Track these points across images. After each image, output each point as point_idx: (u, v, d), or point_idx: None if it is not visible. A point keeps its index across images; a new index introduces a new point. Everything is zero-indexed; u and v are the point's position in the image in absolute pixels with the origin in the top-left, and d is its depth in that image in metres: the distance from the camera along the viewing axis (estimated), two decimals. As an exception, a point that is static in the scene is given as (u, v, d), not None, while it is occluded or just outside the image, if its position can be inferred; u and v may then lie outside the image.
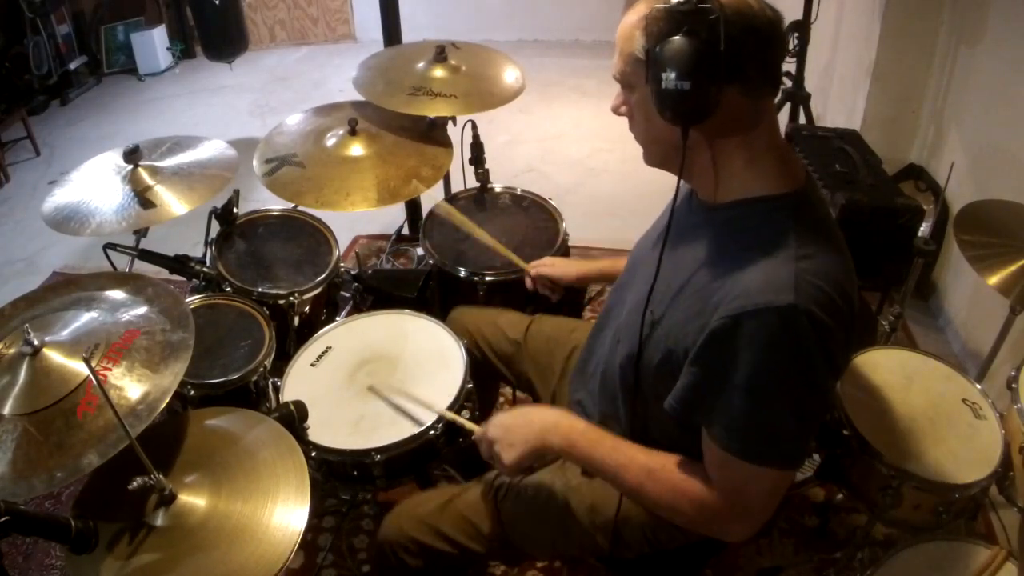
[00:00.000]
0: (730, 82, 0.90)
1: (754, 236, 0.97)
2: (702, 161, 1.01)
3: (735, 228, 1.00)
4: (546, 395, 1.53)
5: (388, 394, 1.44)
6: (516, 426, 1.17)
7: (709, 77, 0.88)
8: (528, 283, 1.69)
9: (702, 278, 1.00)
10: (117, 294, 1.30)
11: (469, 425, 1.32)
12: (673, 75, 0.88)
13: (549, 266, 1.66)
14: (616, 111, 1.07)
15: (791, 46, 2.90)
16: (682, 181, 1.04)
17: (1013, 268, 1.58)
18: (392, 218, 3.07)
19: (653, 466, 1.08)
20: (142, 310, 1.26)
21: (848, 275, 0.97)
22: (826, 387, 0.97)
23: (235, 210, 1.92)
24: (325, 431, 1.39)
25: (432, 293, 1.96)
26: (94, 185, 1.79)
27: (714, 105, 0.90)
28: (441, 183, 2.22)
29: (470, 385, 1.46)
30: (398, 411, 1.42)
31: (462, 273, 1.83)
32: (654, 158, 1.06)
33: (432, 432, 1.37)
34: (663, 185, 1.08)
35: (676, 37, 0.88)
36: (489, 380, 1.66)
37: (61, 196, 1.77)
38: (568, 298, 1.88)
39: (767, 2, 0.93)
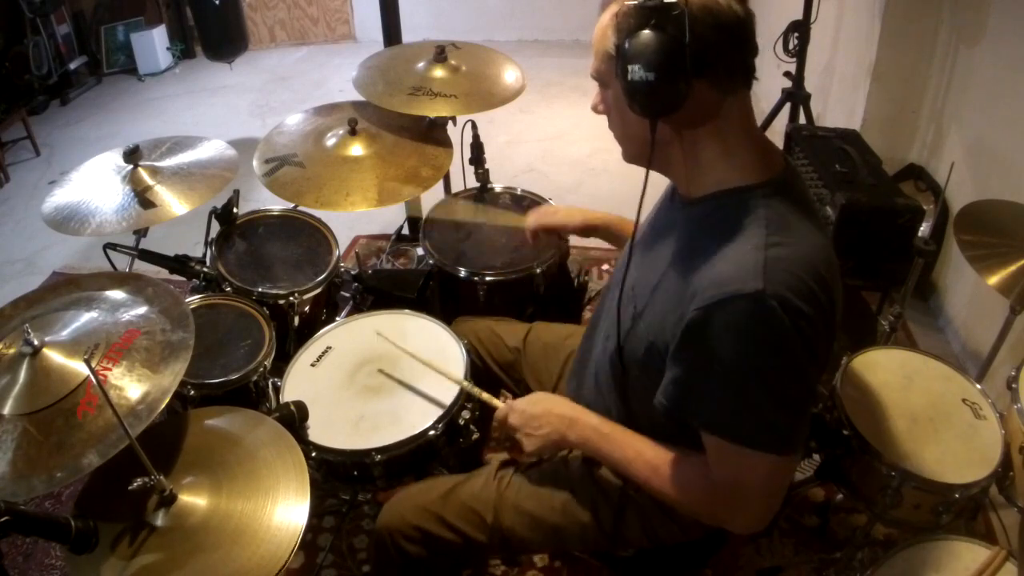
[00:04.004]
0: (699, 76, 0.92)
1: (726, 226, 0.98)
2: (676, 155, 1.03)
3: (710, 220, 1.01)
4: None
5: (400, 376, 1.47)
6: (537, 417, 1.23)
7: (675, 70, 0.90)
8: (528, 236, 1.67)
9: (677, 271, 1.02)
10: (117, 294, 1.30)
11: (495, 402, 1.36)
12: (639, 68, 0.91)
13: (551, 214, 1.64)
14: (595, 109, 1.10)
15: (791, 46, 2.90)
16: (664, 176, 1.05)
17: (1013, 268, 1.58)
18: (392, 218, 3.07)
19: (656, 462, 1.10)
20: (142, 310, 1.26)
21: (827, 261, 0.98)
22: (807, 373, 0.98)
23: (235, 210, 1.91)
24: (325, 431, 1.39)
25: (432, 293, 1.95)
26: (94, 185, 1.79)
27: (682, 98, 0.92)
28: (441, 183, 2.22)
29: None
30: (407, 402, 1.44)
31: (462, 273, 1.83)
32: (630, 153, 1.09)
33: (432, 432, 1.37)
34: (662, 185, 1.08)
35: (643, 31, 0.91)
36: (490, 388, 1.66)
37: (61, 196, 1.77)
38: (568, 298, 1.88)
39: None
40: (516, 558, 1.82)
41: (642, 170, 1.08)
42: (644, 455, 1.12)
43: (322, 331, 1.62)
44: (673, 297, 1.01)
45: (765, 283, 0.90)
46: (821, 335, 0.96)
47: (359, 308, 1.96)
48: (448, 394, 1.43)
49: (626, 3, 0.94)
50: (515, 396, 1.68)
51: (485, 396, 1.39)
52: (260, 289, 1.79)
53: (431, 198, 2.12)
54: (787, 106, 3.02)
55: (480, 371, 1.59)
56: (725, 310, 0.92)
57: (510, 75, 2.17)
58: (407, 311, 1.66)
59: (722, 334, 0.93)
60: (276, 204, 1.99)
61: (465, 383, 1.41)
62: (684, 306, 0.97)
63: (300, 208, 1.96)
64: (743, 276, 0.92)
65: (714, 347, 0.94)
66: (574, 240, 2.00)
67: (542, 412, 1.23)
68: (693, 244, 1.02)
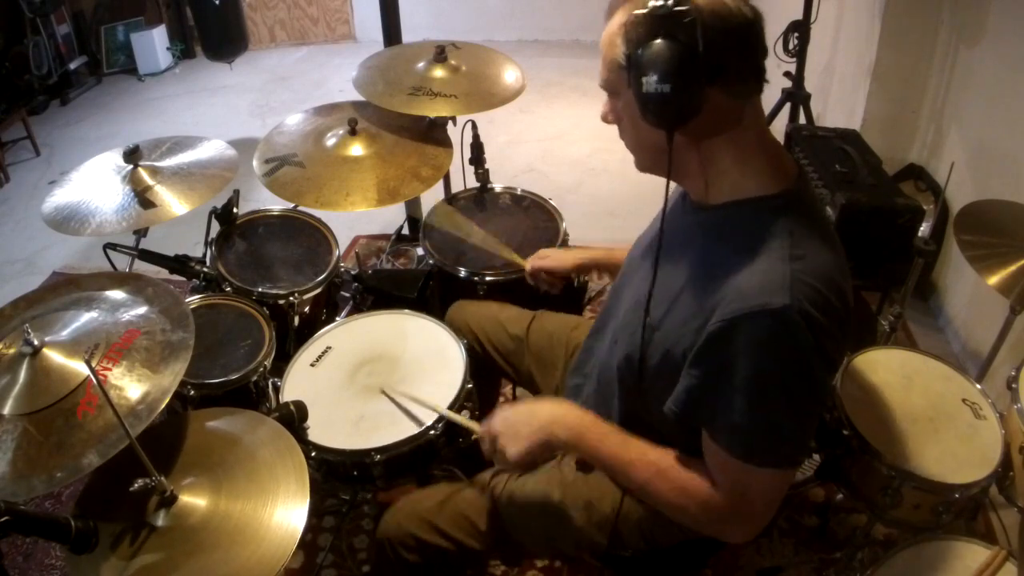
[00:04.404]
0: (712, 83, 0.91)
1: (747, 237, 0.97)
2: (691, 163, 1.01)
3: (728, 230, 1.00)
4: (548, 391, 1.54)
5: (398, 397, 1.44)
6: (520, 420, 1.14)
7: (689, 79, 0.89)
8: (529, 280, 1.69)
9: (698, 281, 1.01)
10: (117, 294, 1.30)
11: (472, 425, 1.31)
12: (654, 79, 0.89)
13: (543, 258, 1.65)
14: (605, 119, 1.07)
15: (791, 46, 2.90)
16: (675, 183, 1.05)
17: (1013, 268, 1.58)
18: (392, 218, 3.07)
19: (662, 465, 1.07)
20: (142, 310, 1.26)
21: (842, 272, 0.98)
22: (824, 385, 0.98)
23: (235, 210, 1.92)
24: (325, 431, 1.39)
25: (432, 293, 1.95)
26: (94, 185, 1.79)
27: (697, 107, 0.91)
28: (441, 183, 2.22)
29: (470, 385, 1.46)
30: (403, 412, 1.42)
31: (462, 273, 1.83)
32: (644, 163, 1.07)
33: (432, 432, 1.38)
34: (662, 185, 1.07)
35: (655, 41, 0.89)
36: (489, 376, 1.66)
37: (61, 196, 1.77)
38: (568, 298, 1.88)
39: (745, 0, 0.93)
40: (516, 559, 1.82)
41: (645, 171, 1.08)
42: (647, 456, 1.08)
43: (322, 331, 1.62)
44: (692, 306, 0.99)
45: (792, 298, 0.89)
46: (837, 345, 0.96)
47: (359, 308, 1.96)
48: (448, 394, 1.43)
49: (635, 11, 0.92)
50: (515, 385, 1.68)
51: (462, 420, 1.34)
52: (260, 289, 1.79)
53: (431, 198, 2.13)
54: (787, 106, 3.03)
55: (481, 360, 1.59)
56: (751, 324, 0.91)
57: (510, 75, 2.17)
58: (407, 311, 1.66)
59: (746, 348, 0.92)
60: (276, 204, 1.99)
61: (448, 412, 1.38)
62: (705, 316, 0.96)
63: (300, 208, 1.96)
64: (770, 290, 0.91)
65: (736, 359, 0.92)
66: (574, 240, 2.00)
67: (525, 414, 1.15)
68: (712, 253, 1.01)
